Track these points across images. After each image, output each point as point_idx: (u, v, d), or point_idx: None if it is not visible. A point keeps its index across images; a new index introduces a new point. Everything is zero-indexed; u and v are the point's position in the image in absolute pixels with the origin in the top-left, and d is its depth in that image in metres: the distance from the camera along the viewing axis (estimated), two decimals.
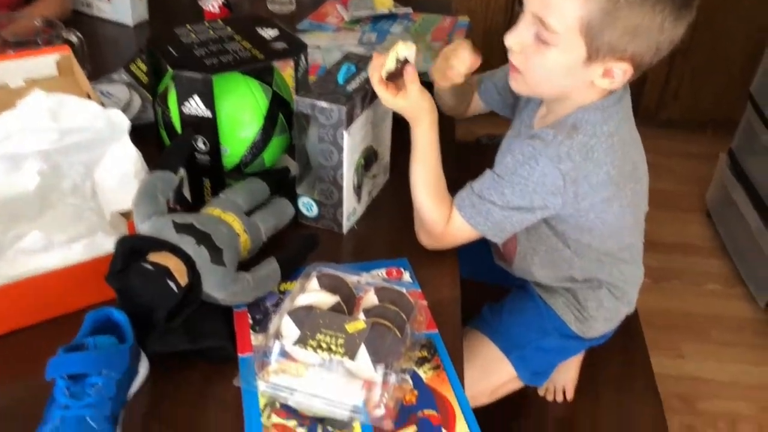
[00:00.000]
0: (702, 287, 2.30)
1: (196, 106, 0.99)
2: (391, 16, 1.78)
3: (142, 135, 1.15)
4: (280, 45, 1.06)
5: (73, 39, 1.38)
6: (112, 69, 1.41)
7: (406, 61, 0.97)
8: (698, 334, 2.12)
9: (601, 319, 1.16)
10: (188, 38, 1.06)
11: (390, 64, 0.96)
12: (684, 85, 2.96)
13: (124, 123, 0.93)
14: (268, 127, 1.05)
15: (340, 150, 0.99)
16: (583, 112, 0.98)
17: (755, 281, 2.23)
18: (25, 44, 1.36)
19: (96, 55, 1.51)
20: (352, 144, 1.01)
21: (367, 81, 1.03)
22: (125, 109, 1.25)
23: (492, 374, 1.17)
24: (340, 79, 1.02)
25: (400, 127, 1.19)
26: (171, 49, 1.03)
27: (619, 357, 1.40)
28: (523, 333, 1.17)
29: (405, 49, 0.97)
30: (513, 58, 0.98)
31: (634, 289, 1.19)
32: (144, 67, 1.34)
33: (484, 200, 0.99)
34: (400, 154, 1.20)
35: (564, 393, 1.30)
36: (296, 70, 1.05)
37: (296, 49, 1.06)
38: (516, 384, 1.20)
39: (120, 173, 0.97)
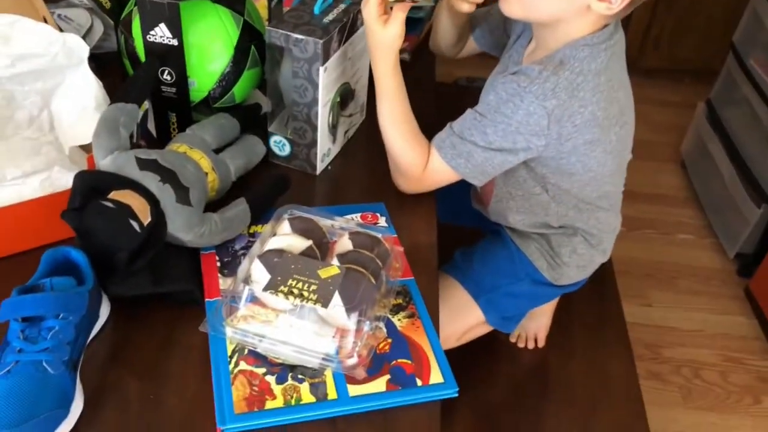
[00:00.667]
0: (673, 237, 2.31)
1: (161, 34, 0.92)
2: None
3: (105, 64, 1.08)
4: None
5: None
6: None
7: None
8: (667, 283, 2.14)
9: (573, 266, 1.14)
10: None
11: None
12: (665, 34, 2.92)
13: (82, 49, 0.87)
14: (238, 59, 0.99)
15: (316, 87, 0.94)
16: (571, 49, 0.94)
17: (725, 232, 2.24)
18: None
19: None
20: (328, 81, 0.95)
21: (345, 13, 0.97)
22: (86, 36, 1.18)
23: (460, 318, 1.15)
24: (317, 9, 0.96)
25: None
26: None
27: (592, 306, 1.40)
28: (493, 278, 1.15)
29: None
30: None
31: (611, 237, 1.17)
32: None
33: (464, 141, 0.95)
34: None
35: (536, 340, 1.30)
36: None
37: None
38: (484, 328, 1.19)
39: (79, 104, 0.91)
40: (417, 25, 1.34)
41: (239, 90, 1.02)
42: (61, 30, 1.05)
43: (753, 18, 2.23)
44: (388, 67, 0.96)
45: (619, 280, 1.52)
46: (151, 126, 1.01)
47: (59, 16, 1.18)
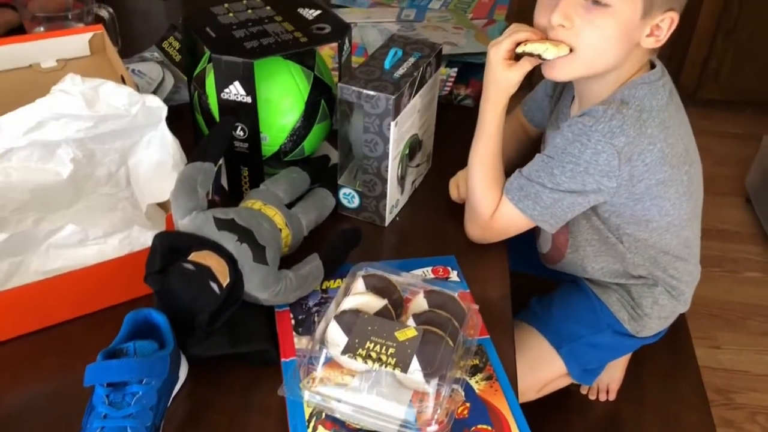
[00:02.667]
0: (740, 275, 2.23)
1: (235, 91, 0.94)
2: None
3: (175, 116, 1.10)
4: (322, 27, 1.00)
5: (105, 14, 1.33)
6: (144, 45, 1.36)
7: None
8: (735, 324, 2.06)
9: (655, 318, 1.11)
10: (226, 18, 1.01)
11: (538, 49, 0.90)
12: (725, 65, 2.85)
13: (161, 110, 0.89)
14: (309, 114, 1.00)
15: (386, 141, 0.94)
16: (629, 89, 0.94)
17: None
18: (54, 19, 1.31)
19: (127, 29, 1.46)
20: (398, 135, 0.95)
21: (415, 67, 0.97)
22: (157, 89, 1.21)
23: (541, 369, 1.12)
24: (387, 64, 0.97)
25: (443, 114, 1.15)
26: (209, 30, 0.98)
27: (664, 353, 1.35)
28: (575, 327, 1.12)
29: (555, 52, 0.90)
30: (560, 36, 0.91)
31: (691, 287, 1.14)
32: (177, 45, 1.29)
33: (532, 182, 0.94)
34: (443, 142, 1.15)
35: (607, 392, 1.26)
36: (340, 53, 1.00)
37: (340, 32, 1.00)
38: (565, 381, 1.16)
39: (156, 161, 0.93)
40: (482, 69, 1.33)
41: (309, 143, 1.03)
42: (138, 87, 1.09)
43: None
44: (497, 108, 0.97)
45: (687, 321, 1.47)
46: (224, 180, 1.03)
47: (132, 70, 1.22)
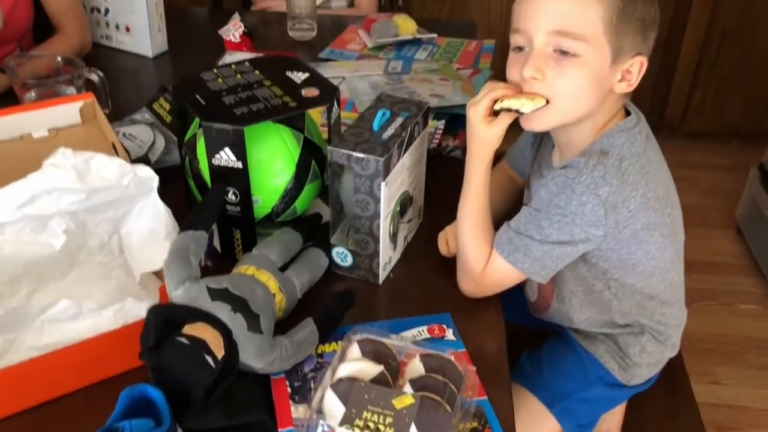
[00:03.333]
0: (736, 308, 2.24)
1: (226, 157, 0.95)
2: (415, 42, 1.74)
3: (167, 178, 1.10)
4: (311, 90, 1.02)
5: (95, 78, 1.35)
6: (134, 105, 1.38)
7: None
8: (733, 358, 2.06)
9: (644, 365, 1.11)
10: (215, 84, 1.02)
11: (514, 104, 0.92)
12: (708, 98, 2.90)
13: (153, 179, 0.89)
14: (300, 175, 1.01)
15: (377, 201, 0.95)
16: (607, 137, 0.96)
17: None
18: (45, 84, 1.33)
19: (117, 89, 1.48)
20: (389, 194, 0.96)
21: (403, 127, 0.98)
22: (149, 152, 1.22)
23: (535, 429, 1.12)
24: (375, 125, 0.98)
25: (433, 166, 1.16)
26: (198, 97, 0.99)
27: (661, 396, 1.35)
28: (565, 384, 1.12)
29: (532, 105, 0.93)
30: (534, 89, 0.93)
31: (678, 331, 1.14)
32: (167, 106, 1.30)
33: (521, 235, 0.96)
34: (433, 194, 1.16)
35: None
36: (329, 116, 1.01)
37: (328, 95, 1.01)
38: None
39: (148, 230, 0.93)
40: None
41: (301, 203, 1.04)
42: (128, 152, 1.10)
43: None
44: (482, 165, 0.98)
45: (684, 357, 1.47)
46: (216, 243, 1.03)
47: (123, 134, 1.23)
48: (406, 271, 1.07)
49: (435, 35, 1.76)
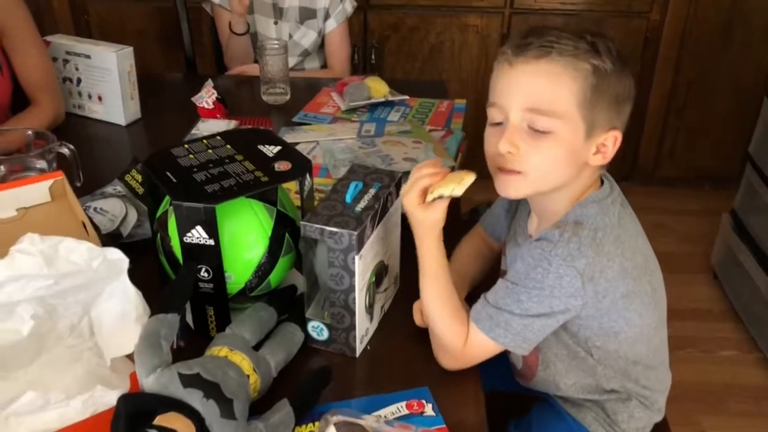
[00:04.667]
0: (716, 354, 2.24)
1: (198, 235, 0.94)
2: (388, 104, 1.76)
3: (139, 251, 1.09)
4: (283, 163, 1.02)
5: (65, 152, 1.34)
6: (108, 175, 1.37)
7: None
8: (717, 406, 2.05)
9: (632, 431, 1.10)
10: (186, 160, 1.02)
11: (444, 192, 0.93)
12: (679, 143, 2.96)
13: (122, 261, 0.88)
14: (274, 249, 1.01)
15: (352, 274, 0.94)
16: (580, 208, 0.97)
17: None
18: (15, 160, 1.32)
19: (90, 159, 1.48)
20: (363, 267, 0.96)
21: (376, 198, 0.98)
22: (120, 225, 1.20)
23: None
24: (348, 198, 0.98)
25: (406, 231, 1.16)
26: (169, 174, 0.98)
27: None
28: None
29: (462, 187, 0.93)
30: (510, 163, 0.95)
31: (663, 395, 1.14)
32: (139, 177, 1.29)
33: (501, 310, 0.95)
34: (408, 263, 1.16)
35: None
36: (301, 189, 1.01)
37: (301, 169, 1.01)
38: None
39: (119, 312, 0.91)
40: None
41: (275, 277, 1.03)
42: (98, 229, 1.08)
43: (765, 129, 2.25)
44: (432, 247, 0.97)
45: (668, 407, 1.46)
46: (189, 319, 1.01)
47: (95, 209, 1.21)
48: (384, 342, 1.06)
49: (406, 97, 1.78)
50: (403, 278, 1.16)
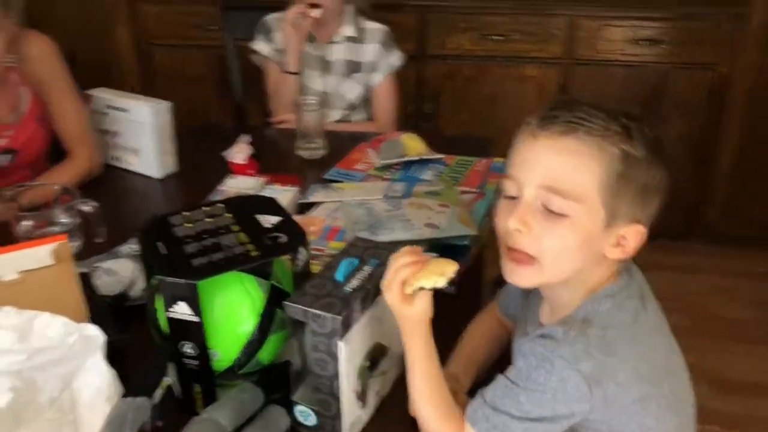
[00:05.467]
0: None
1: (182, 310, 0.91)
2: (423, 162, 1.70)
3: (145, 317, 1.08)
4: (278, 237, 0.98)
5: (88, 209, 1.35)
6: (132, 231, 1.37)
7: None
8: None
9: None
10: (182, 229, 1.00)
11: (426, 284, 0.86)
12: (746, 201, 2.77)
13: (98, 339, 0.86)
14: (264, 326, 0.96)
15: (336, 360, 0.89)
16: (592, 303, 0.89)
17: None
18: (40, 216, 1.34)
19: (121, 212, 1.51)
20: (350, 352, 0.90)
21: (370, 278, 0.93)
22: (129, 289, 1.19)
23: None
24: (340, 276, 0.93)
25: None
26: (161, 244, 0.96)
27: None
28: None
29: (444, 279, 0.87)
30: (519, 242, 0.88)
31: None
32: None
33: (498, 412, 0.87)
34: None
35: None
36: (293, 265, 0.97)
37: (295, 242, 0.97)
38: None
39: (97, 389, 0.89)
40: (464, 252, 1.29)
41: (265, 354, 0.98)
42: (93, 296, 1.07)
43: None
44: (421, 343, 0.91)
45: None
46: (176, 389, 0.98)
47: (103, 270, 1.21)
48: (382, 429, 0.99)
49: (442, 156, 1.73)
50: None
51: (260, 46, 2.12)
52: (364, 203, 1.47)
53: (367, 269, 0.95)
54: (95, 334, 0.86)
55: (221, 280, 0.94)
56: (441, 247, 1.28)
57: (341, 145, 1.85)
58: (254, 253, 0.94)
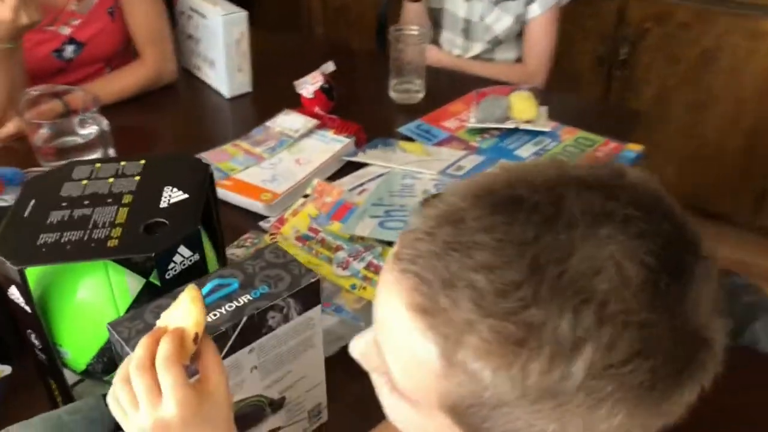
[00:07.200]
0: None
1: (16, 296, 0.72)
2: (530, 133, 1.32)
3: None
4: (161, 229, 0.73)
5: (95, 127, 1.21)
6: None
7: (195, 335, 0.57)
8: None
9: None
10: (73, 187, 0.79)
11: (188, 346, 0.56)
12: None
13: None
14: None
15: None
16: None
17: None
18: (56, 126, 1.23)
19: (166, 131, 1.37)
20: None
21: (238, 312, 0.66)
22: None
23: None
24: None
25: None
26: (32, 204, 0.77)
27: None
28: None
29: (193, 323, 0.56)
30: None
31: None
32: None
33: None
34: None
35: None
36: (158, 272, 0.72)
37: (166, 241, 0.72)
38: None
39: None
40: None
41: None
42: None
43: None
44: None
45: None
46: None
47: None
48: None
49: (560, 126, 1.32)
50: (333, 404, 0.81)
51: None
52: (407, 175, 1.16)
53: (244, 299, 0.67)
54: None
55: (79, 266, 0.73)
56: None
57: (454, 88, 1.51)
58: (111, 243, 0.71)
